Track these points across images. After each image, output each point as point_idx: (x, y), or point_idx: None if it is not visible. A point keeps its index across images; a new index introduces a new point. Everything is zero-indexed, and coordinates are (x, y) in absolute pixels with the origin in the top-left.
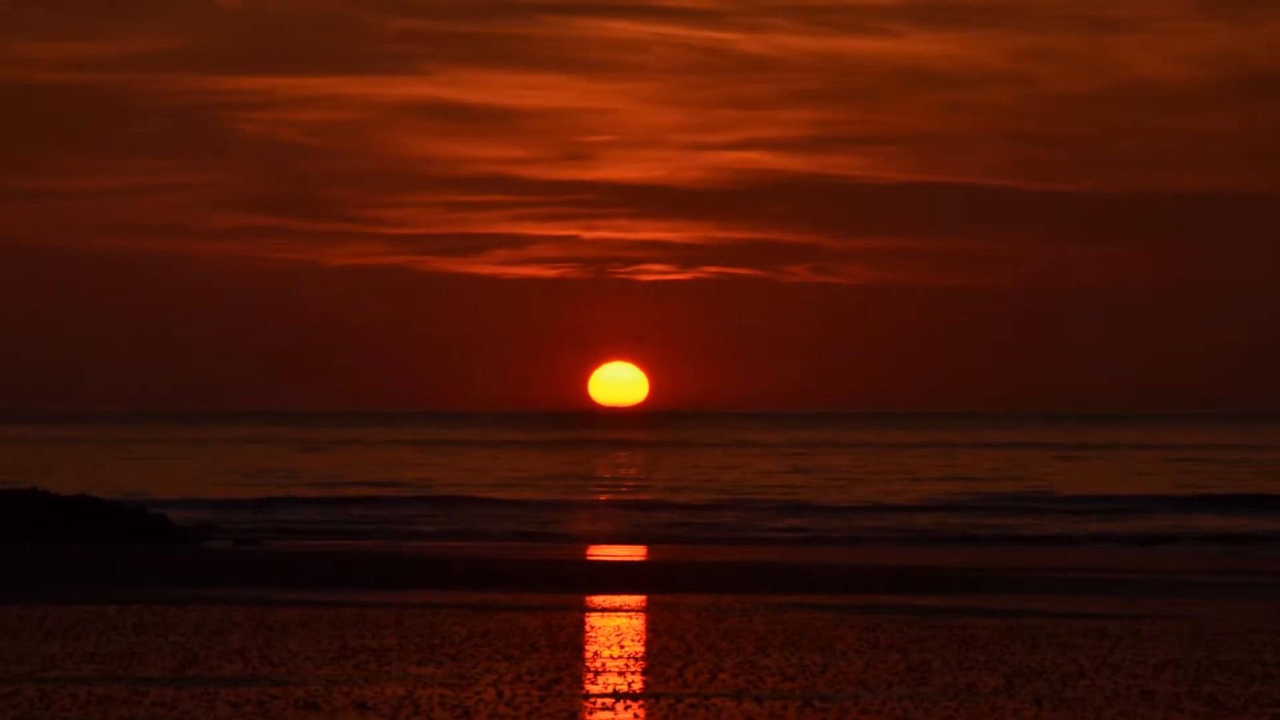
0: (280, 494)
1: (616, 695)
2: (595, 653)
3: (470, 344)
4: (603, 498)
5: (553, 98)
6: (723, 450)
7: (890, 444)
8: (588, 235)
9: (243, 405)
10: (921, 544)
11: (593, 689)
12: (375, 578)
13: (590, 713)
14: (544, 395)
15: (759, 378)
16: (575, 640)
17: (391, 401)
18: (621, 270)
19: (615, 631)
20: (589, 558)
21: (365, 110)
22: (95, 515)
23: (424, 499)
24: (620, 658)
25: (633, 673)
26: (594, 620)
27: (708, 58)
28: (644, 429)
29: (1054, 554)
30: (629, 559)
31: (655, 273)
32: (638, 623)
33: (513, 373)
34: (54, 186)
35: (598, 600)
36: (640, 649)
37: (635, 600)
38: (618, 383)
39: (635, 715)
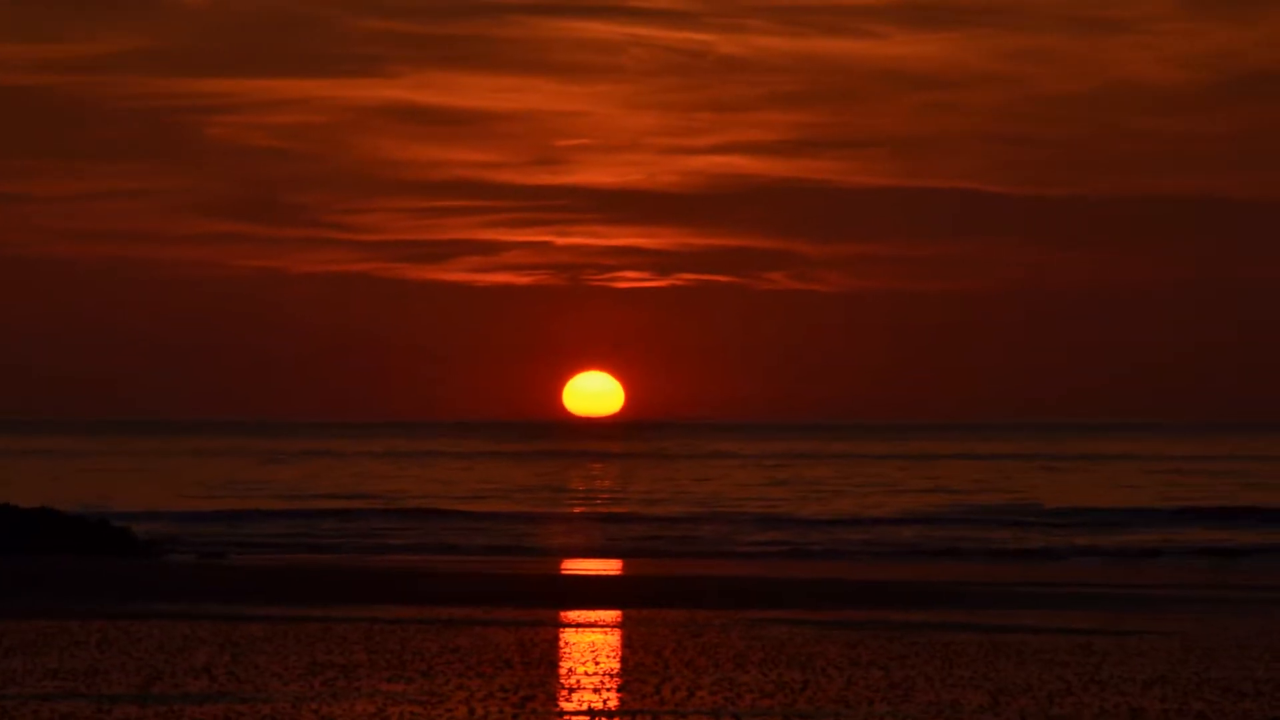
0: (246, 506)
1: (592, 713)
2: (570, 669)
3: (441, 353)
4: (577, 510)
5: (525, 100)
6: (699, 461)
7: (871, 455)
8: (561, 241)
9: (207, 415)
10: (904, 558)
11: (567, 706)
12: (344, 592)
13: None
14: (517, 405)
15: (736, 387)
16: (549, 656)
17: (360, 412)
18: (596, 277)
19: (590, 647)
20: (563, 572)
21: (333, 113)
22: (56, 528)
23: (394, 512)
24: (595, 674)
25: (608, 690)
26: (568, 636)
27: (684, 59)
28: (619, 440)
29: (1039, 568)
30: (604, 573)
31: (630, 280)
32: (613, 638)
33: (485, 382)
34: (13, 190)
35: (572, 615)
36: (616, 665)
37: (610, 615)
38: (592, 392)
39: None
